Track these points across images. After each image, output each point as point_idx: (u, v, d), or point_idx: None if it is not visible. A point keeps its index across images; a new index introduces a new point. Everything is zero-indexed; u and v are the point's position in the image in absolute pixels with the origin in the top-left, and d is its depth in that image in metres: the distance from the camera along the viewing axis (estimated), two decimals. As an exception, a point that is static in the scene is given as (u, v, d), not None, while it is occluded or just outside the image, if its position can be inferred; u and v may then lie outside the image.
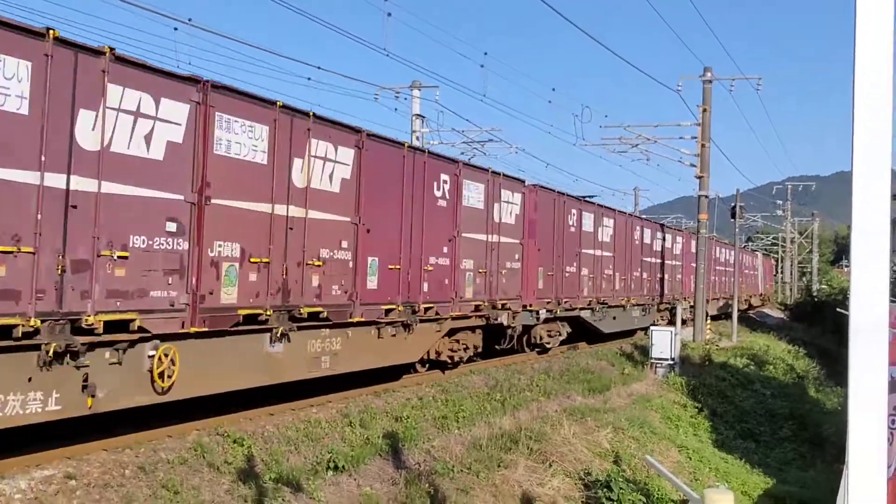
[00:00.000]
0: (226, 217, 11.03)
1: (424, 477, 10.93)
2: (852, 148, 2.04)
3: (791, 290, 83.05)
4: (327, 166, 13.13)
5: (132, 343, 9.72)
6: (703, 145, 30.95)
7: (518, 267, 20.29)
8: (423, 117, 31.85)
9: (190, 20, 18.34)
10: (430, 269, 16.22)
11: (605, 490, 12.29)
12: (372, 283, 14.29)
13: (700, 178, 31.12)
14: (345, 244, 13.45)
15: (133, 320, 9.64)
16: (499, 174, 19.63)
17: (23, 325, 8.37)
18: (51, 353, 8.58)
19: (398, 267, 15.09)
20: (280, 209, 11.98)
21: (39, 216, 8.52)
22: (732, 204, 37.57)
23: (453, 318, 17.12)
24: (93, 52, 9.25)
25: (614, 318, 28.53)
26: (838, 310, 30.51)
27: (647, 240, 32.79)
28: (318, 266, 12.81)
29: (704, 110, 31.19)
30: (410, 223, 15.44)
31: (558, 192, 23.83)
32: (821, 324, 48.75)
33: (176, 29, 18.37)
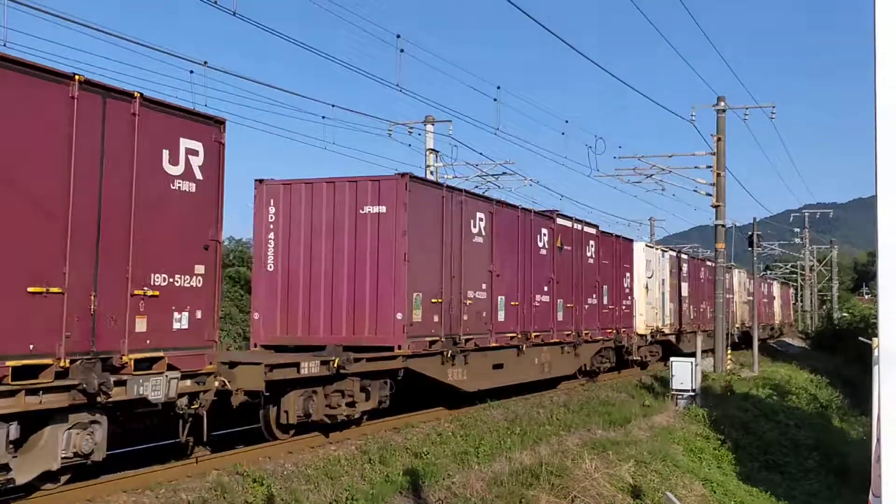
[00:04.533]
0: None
1: (445, 514, 10.80)
2: (876, 168, 2.00)
3: (812, 318, 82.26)
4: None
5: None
6: (718, 174, 30.87)
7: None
8: (437, 152, 31.98)
9: (206, 63, 18.51)
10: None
11: (628, 525, 12.11)
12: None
13: (716, 207, 31.00)
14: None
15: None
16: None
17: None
18: None
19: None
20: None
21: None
22: (749, 233, 37.35)
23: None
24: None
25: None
26: (860, 338, 30.16)
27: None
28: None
29: (719, 139, 31.16)
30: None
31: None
32: (843, 352, 48.19)
33: (192, 72, 18.54)
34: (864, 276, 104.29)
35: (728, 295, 43.69)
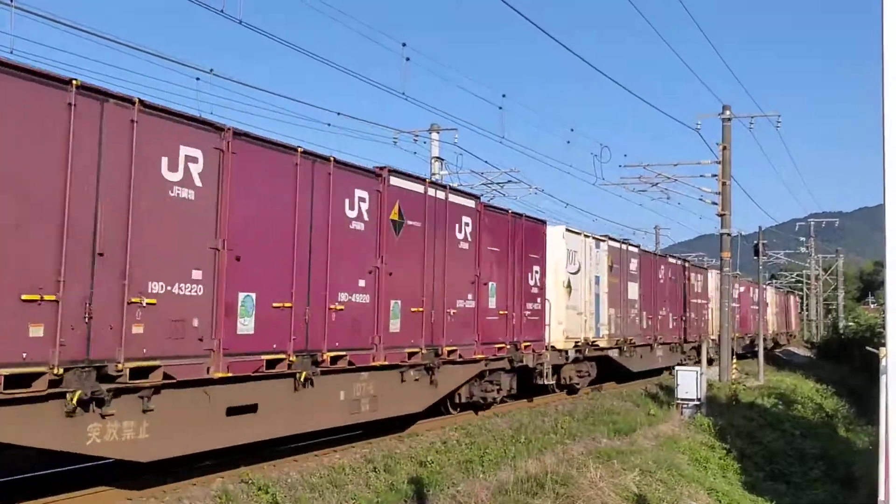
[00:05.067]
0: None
1: (450, 523, 10.77)
2: (884, 178, 2.00)
3: (817, 327, 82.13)
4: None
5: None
6: (723, 183, 30.85)
7: None
8: (442, 160, 31.99)
9: (211, 70, 18.58)
10: None
11: (633, 534, 12.07)
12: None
13: (722, 216, 30.98)
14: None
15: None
16: None
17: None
18: None
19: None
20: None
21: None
22: (755, 241, 37.33)
23: None
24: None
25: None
26: (867, 348, 30.10)
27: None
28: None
29: (724, 148, 31.15)
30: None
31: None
32: (849, 362, 48.08)
33: (198, 79, 18.60)
34: (869, 286, 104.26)
35: (700, 300, 40.07)
